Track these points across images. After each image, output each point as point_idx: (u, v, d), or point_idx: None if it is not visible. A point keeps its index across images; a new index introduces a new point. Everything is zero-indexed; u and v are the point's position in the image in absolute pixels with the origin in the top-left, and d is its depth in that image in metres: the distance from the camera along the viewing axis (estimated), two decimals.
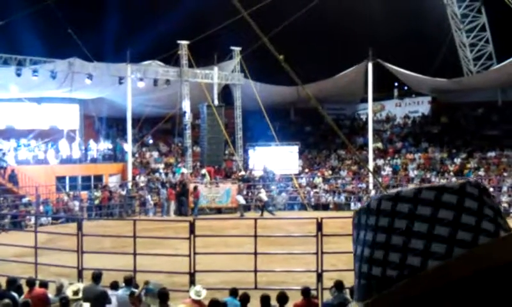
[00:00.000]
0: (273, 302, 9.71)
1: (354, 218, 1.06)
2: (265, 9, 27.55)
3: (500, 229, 0.97)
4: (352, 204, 36.00)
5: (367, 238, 1.01)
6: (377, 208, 1.00)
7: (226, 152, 39.25)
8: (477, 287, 0.93)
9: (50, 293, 10.48)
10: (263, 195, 32.93)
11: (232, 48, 38.19)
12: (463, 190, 0.97)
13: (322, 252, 13.09)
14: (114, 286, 10.87)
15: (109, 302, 10.36)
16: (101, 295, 10.28)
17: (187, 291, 11.08)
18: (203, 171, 35.47)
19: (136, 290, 10.21)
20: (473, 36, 39.39)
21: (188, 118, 37.10)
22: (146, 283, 9.99)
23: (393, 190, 1.00)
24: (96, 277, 10.94)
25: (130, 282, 10.74)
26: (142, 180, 35.68)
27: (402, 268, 0.95)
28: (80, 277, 13.62)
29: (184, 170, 36.09)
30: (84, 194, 33.00)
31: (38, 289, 10.26)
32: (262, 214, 30.71)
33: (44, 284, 11.03)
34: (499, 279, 0.93)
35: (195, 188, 32.47)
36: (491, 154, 36.33)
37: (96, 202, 32.57)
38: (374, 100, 40.35)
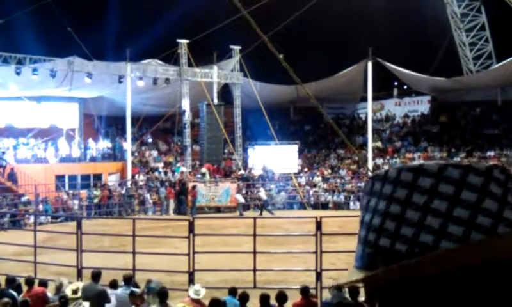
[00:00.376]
0: (272, 301, 9.72)
1: (366, 184, 1.04)
2: (264, 8, 27.61)
3: None
4: (351, 203, 36.01)
5: (379, 206, 0.98)
6: (396, 178, 0.97)
7: (226, 151, 39.27)
8: (482, 278, 0.91)
9: (50, 292, 10.48)
10: (262, 194, 32.97)
11: (232, 47, 38.20)
12: (489, 174, 0.94)
13: (321, 251, 13.09)
14: (114, 285, 10.87)
15: (109, 301, 10.35)
16: (100, 294, 10.28)
17: (186, 290, 11.09)
18: (203, 169, 35.48)
19: (136, 290, 10.21)
20: (473, 35, 39.41)
21: (187, 116, 37.13)
22: (149, 281, 9.99)
23: (415, 163, 0.98)
24: (96, 276, 10.93)
25: (129, 281, 10.72)
26: (141, 178, 35.68)
27: (414, 244, 0.92)
28: (79, 276, 13.62)
29: (183, 169, 36.11)
30: (84, 192, 33.00)
31: (37, 288, 10.27)
32: (261, 213, 30.74)
33: (43, 283, 11.03)
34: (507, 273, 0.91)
35: (193, 187, 32.49)
36: (491, 153, 36.36)
37: (96, 201, 32.55)
38: (374, 99, 40.36)
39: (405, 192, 0.95)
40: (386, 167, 36.19)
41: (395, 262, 0.93)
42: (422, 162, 0.97)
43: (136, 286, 10.73)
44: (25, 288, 10.50)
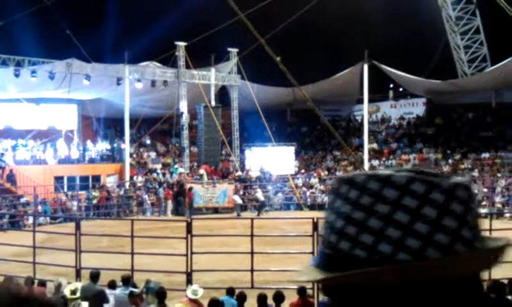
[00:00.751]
0: (270, 301, 9.87)
1: (334, 184, 1.06)
2: (261, 11, 27.80)
3: (476, 240, 0.98)
4: None
5: (343, 209, 1.01)
6: (363, 185, 0.99)
7: (223, 152, 39.42)
8: (437, 292, 0.97)
9: (49, 293, 10.58)
10: (259, 195, 33.20)
11: (229, 49, 38.34)
12: (452, 192, 0.97)
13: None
14: (112, 285, 10.95)
15: (107, 301, 10.46)
16: (99, 294, 10.37)
17: (184, 290, 11.22)
18: (201, 171, 35.66)
19: (135, 290, 10.33)
20: (468, 38, 39.64)
21: (185, 118, 37.27)
22: (148, 281, 10.12)
23: (384, 171, 1.01)
24: (94, 276, 11.00)
25: (127, 281, 10.81)
26: (140, 180, 35.82)
27: (373, 252, 0.96)
28: (78, 276, 13.71)
29: (181, 170, 36.24)
30: (82, 194, 33.13)
31: (36, 288, 10.37)
32: (259, 214, 30.95)
33: (42, 284, 11.10)
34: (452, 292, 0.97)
35: (190, 189, 32.65)
36: (485, 155, 36.58)
37: (94, 202, 32.69)
38: (370, 101, 40.54)
39: (370, 200, 0.98)
40: (381, 168, 36.57)
41: (352, 267, 0.97)
42: (391, 172, 1.00)
43: (134, 286, 10.80)
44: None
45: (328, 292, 1.05)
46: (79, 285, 10.55)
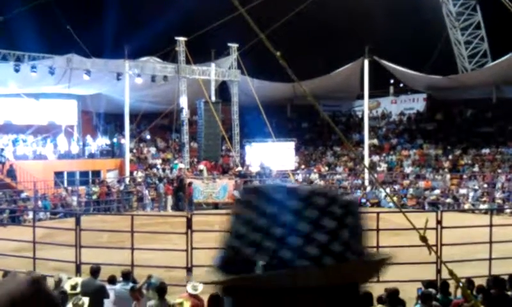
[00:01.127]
0: None
1: (242, 193, 1.12)
2: (262, 6, 27.69)
3: (362, 251, 1.10)
4: None
5: (248, 216, 1.06)
6: (269, 196, 1.06)
7: (223, 148, 39.39)
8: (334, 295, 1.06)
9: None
10: None
11: (229, 44, 38.30)
12: (348, 207, 1.08)
13: None
14: (112, 280, 10.96)
15: (107, 296, 10.46)
16: (99, 289, 10.37)
17: (185, 285, 11.22)
18: (201, 166, 35.69)
19: (136, 285, 10.34)
20: (468, 33, 39.58)
21: (185, 114, 37.26)
22: (149, 277, 10.11)
23: (292, 185, 1.09)
24: (95, 271, 11.02)
25: (128, 276, 10.82)
26: (139, 175, 35.83)
27: (273, 257, 1.02)
28: (78, 271, 13.70)
29: (181, 166, 36.24)
30: (82, 189, 33.13)
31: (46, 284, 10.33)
32: None
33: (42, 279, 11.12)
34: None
35: (189, 184, 32.66)
36: (486, 151, 36.57)
37: (94, 197, 32.70)
38: (370, 97, 40.57)
39: (275, 209, 1.05)
40: (382, 164, 36.32)
41: (253, 270, 1.03)
42: (297, 185, 1.08)
43: (134, 281, 10.80)
44: None
45: (227, 293, 1.11)
46: (79, 280, 10.56)
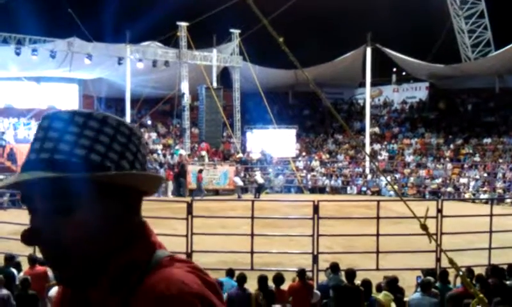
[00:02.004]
0: (270, 283, 9.90)
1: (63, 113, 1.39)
2: None
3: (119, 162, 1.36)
4: (348, 188, 36.29)
5: (72, 130, 1.34)
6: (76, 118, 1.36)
7: (224, 134, 39.40)
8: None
9: (50, 271, 10.59)
10: (258, 177, 33.23)
11: (231, 30, 38.18)
12: (104, 120, 1.36)
13: (318, 235, 13.25)
14: None
15: None
16: None
17: None
18: (203, 152, 35.73)
19: None
20: (472, 22, 39.43)
21: (187, 99, 37.21)
22: None
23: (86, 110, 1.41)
24: None
25: None
26: None
27: (86, 159, 1.31)
28: None
29: (182, 151, 36.24)
30: None
31: (39, 267, 10.38)
32: (258, 196, 31.01)
33: (43, 263, 11.15)
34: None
35: (200, 171, 32.64)
36: (487, 140, 36.53)
37: None
38: (372, 85, 40.51)
39: (79, 128, 1.34)
40: (383, 152, 36.29)
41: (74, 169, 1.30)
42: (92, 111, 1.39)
43: None
44: (27, 265, 10.63)
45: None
46: None
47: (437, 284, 9.83)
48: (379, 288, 10.04)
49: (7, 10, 30.36)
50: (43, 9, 31.73)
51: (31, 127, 34.73)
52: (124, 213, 1.39)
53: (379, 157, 38.14)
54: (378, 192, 34.57)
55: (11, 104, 35.78)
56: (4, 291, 8.76)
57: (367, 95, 39.65)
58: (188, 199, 17.63)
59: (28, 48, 30.95)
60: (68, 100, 37.66)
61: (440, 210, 12.95)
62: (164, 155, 36.82)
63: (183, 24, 36.23)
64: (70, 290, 1.45)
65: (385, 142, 39.92)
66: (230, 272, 10.54)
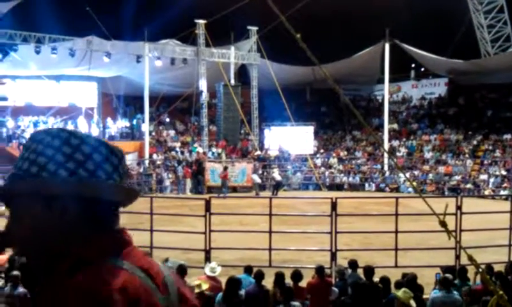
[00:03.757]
0: (287, 279, 9.90)
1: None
2: None
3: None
4: (366, 185, 36.15)
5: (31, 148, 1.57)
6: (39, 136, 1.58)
7: (242, 131, 39.43)
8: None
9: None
10: (276, 175, 33.20)
11: (249, 27, 38.17)
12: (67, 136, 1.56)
13: (336, 232, 13.24)
14: None
15: None
16: None
17: (203, 267, 11.29)
18: (219, 150, 35.81)
19: None
20: (491, 17, 38.96)
21: (205, 97, 37.28)
22: (166, 260, 10.18)
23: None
24: None
25: None
26: (159, 158, 36.00)
27: (39, 174, 1.53)
28: None
29: (200, 149, 36.32)
30: None
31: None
32: (276, 193, 31.00)
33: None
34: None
35: (225, 168, 32.67)
36: (507, 136, 36.16)
37: None
38: (391, 81, 40.28)
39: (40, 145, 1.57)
40: (402, 149, 36.03)
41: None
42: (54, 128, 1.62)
43: None
44: None
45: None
46: None
47: (456, 281, 9.77)
48: (398, 285, 10.01)
49: (27, 9, 30.62)
50: (62, 8, 31.90)
51: (49, 125, 35.00)
52: (76, 219, 1.54)
53: (397, 154, 37.93)
54: (397, 189, 34.41)
55: (31, 102, 36.11)
56: (21, 289, 8.82)
57: (385, 91, 39.44)
58: (206, 196, 17.68)
59: (48, 47, 31.20)
60: (87, 98, 37.96)
61: (459, 207, 12.87)
62: (182, 153, 36.93)
63: (201, 22, 36.30)
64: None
65: (404, 139, 39.69)
66: (248, 269, 10.55)
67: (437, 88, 43.77)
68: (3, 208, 1.83)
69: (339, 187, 35.95)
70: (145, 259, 1.60)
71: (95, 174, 1.55)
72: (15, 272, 8.81)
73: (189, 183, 33.64)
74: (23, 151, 1.57)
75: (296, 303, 9.05)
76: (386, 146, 36.80)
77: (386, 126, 38.26)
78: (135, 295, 1.44)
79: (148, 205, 14.45)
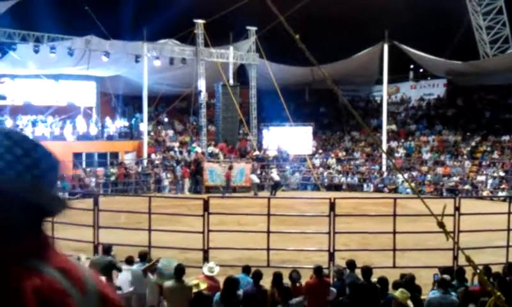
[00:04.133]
0: (285, 280, 9.90)
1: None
2: None
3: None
4: (365, 185, 36.17)
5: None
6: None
7: (241, 132, 39.43)
8: None
9: None
10: (274, 175, 33.23)
11: (248, 28, 38.18)
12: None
13: (334, 232, 13.25)
14: (129, 261, 11.08)
15: (119, 269, 10.68)
16: (108, 265, 10.54)
17: (201, 267, 11.28)
18: (216, 150, 35.80)
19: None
20: (490, 19, 38.94)
21: (203, 97, 37.28)
22: (157, 260, 10.22)
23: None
24: (107, 249, 11.29)
25: (145, 257, 10.91)
26: (157, 157, 35.99)
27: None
28: (96, 251, 13.80)
29: (198, 149, 36.32)
30: (100, 170, 33.37)
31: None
32: (274, 193, 31.00)
33: None
34: None
35: (230, 167, 32.68)
36: (506, 138, 36.19)
37: (112, 178, 32.95)
38: (389, 82, 40.29)
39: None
40: (400, 149, 36.03)
41: None
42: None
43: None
44: None
45: None
46: (92, 259, 10.73)
47: (454, 282, 9.77)
48: (396, 286, 10.01)
49: (25, 8, 30.60)
50: (60, 7, 31.89)
51: (47, 125, 34.99)
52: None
53: (396, 154, 37.94)
54: (395, 190, 34.43)
55: (30, 101, 36.08)
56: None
57: (384, 92, 39.45)
58: (205, 196, 17.67)
59: (46, 46, 31.19)
60: (85, 97, 37.94)
61: (457, 208, 12.89)
62: (181, 153, 36.93)
63: (200, 22, 36.30)
64: None
65: (402, 140, 39.72)
66: (246, 269, 10.55)
67: (435, 89, 43.80)
68: None
69: (337, 188, 35.95)
70: (65, 262, 1.57)
71: None
72: None
73: (187, 183, 33.66)
74: None
75: (297, 299, 9.06)
76: (385, 146, 36.82)
77: (385, 127, 38.28)
78: (48, 297, 1.42)
79: (146, 205, 14.45)
